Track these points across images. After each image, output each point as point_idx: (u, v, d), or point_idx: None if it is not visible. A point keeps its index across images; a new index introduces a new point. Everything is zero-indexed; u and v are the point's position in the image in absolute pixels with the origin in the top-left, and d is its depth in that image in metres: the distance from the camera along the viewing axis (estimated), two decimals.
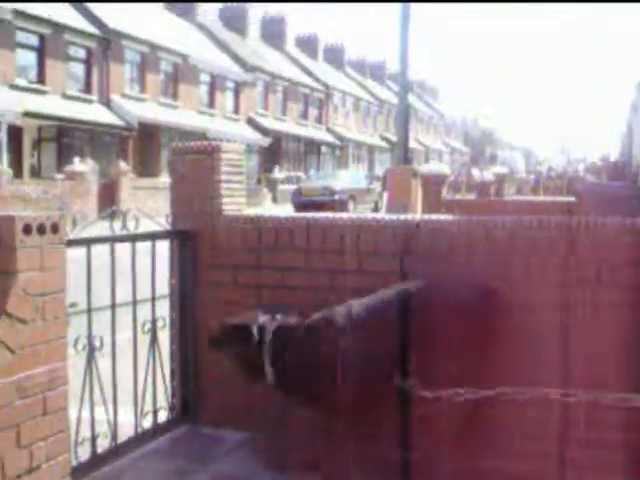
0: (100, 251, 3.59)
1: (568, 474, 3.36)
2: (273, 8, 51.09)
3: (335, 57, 59.75)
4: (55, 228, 3.04)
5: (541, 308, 3.45)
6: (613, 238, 3.35)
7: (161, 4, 41.78)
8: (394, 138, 40.48)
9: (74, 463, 3.34)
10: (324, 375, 3.25)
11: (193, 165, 4.24)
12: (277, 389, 3.47)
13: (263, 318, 3.43)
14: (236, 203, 4.33)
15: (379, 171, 46.87)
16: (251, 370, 3.48)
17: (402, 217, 3.87)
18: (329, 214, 4.10)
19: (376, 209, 28.19)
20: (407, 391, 3.21)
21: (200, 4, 43.23)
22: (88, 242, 3.52)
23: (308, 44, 56.42)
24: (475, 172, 41.33)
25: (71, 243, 3.28)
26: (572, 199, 10.01)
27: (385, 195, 19.05)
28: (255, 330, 3.38)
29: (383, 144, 58.92)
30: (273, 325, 3.39)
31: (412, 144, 51.65)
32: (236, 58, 41.85)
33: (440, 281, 3.47)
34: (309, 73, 51.25)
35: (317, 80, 51.12)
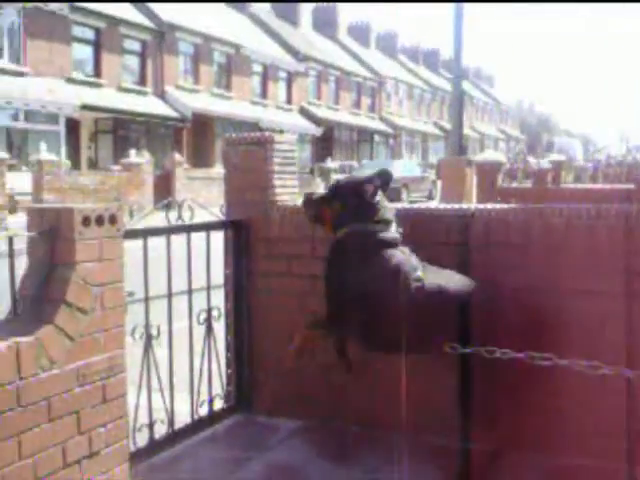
0: (157, 242, 3.65)
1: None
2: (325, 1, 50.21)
3: (388, 45, 59.37)
4: (113, 219, 3.10)
5: (600, 297, 3.38)
6: None
7: None
8: (448, 126, 40.13)
9: (132, 449, 3.40)
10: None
11: (246, 156, 4.26)
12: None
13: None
14: (289, 193, 4.34)
15: (433, 159, 46.53)
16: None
17: (456, 207, 3.83)
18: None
19: (430, 197, 28.01)
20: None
21: None
22: (145, 233, 3.57)
23: (360, 32, 56.18)
24: (531, 160, 40.68)
25: (128, 234, 3.33)
26: (631, 187, 9.76)
27: (439, 183, 18.90)
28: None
29: (437, 132, 58.39)
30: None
31: (467, 131, 51.13)
32: (288, 48, 41.92)
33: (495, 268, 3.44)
34: (362, 61, 51.04)
35: (370, 68, 50.89)
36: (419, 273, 3.31)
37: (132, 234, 3.44)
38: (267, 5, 47.19)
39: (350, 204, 3.42)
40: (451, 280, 3.39)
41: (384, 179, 3.51)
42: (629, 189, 9.46)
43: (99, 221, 3.02)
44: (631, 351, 3.32)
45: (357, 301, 3.30)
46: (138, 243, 3.52)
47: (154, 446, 3.64)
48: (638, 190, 8.89)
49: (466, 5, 14.52)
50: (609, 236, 3.37)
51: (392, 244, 3.38)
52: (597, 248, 3.41)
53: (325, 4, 51.83)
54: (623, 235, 3.35)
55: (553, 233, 3.48)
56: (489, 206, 3.73)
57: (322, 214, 3.56)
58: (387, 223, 3.42)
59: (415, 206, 3.99)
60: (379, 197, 3.45)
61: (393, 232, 3.42)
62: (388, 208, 3.48)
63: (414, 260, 3.38)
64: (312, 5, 51.49)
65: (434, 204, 4.67)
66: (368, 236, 3.36)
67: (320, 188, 33.66)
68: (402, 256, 3.36)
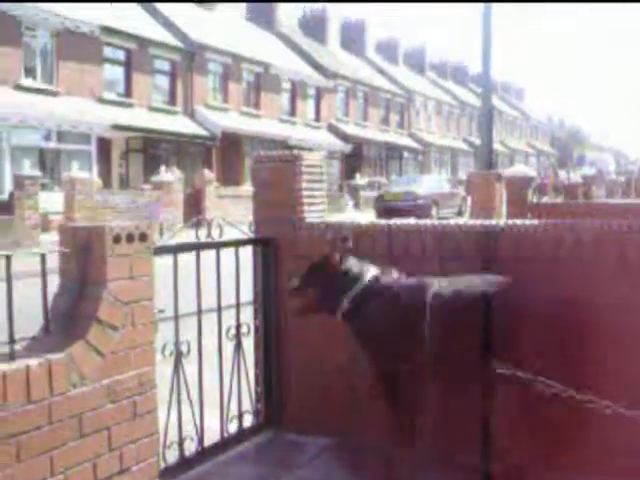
0: (187, 259, 3.67)
1: None
2: (352, 13, 50.69)
3: (416, 60, 59.44)
4: (143, 237, 3.13)
5: (632, 313, 3.34)
6: None
7: (242, 16, 42.54)
8: (477, 141, 40.01)
9: (162, 466, 3.42)
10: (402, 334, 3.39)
11: (275, 173, 4.29)
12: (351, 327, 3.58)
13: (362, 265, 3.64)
14: (317, 210, 4.35)
15: (462, 175, 46.33)
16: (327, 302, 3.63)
17: (485, 223, 3.82)
18: (411, 220, 4.08)
19: (460, 213, 27.86)
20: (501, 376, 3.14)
21: (279, 8, 43.64)
22: (175, 250, 3.60)
23: (388, 48, 56.35)
24: (562, 174, 40.33)
25: (158, 251, 3.36)
26: None
27: (469, 199, 18.82)
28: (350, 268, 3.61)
29: (466, 147, 58.22)
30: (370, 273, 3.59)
31: (496, 146, 50.81)
32: (316, 65, 42.14)
33: (524, 283, 3.40)
34: (390, 78, 51.15)
35: (398, 84, 50.98)
36: (435, 288, 3.40)
37: (162, 250, 3.47)
38: (295, 23, 47.56)
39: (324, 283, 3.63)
40: (471, 283, 3.42)
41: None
42: None
43: (130, 239, 3.05)
44: None
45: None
46: (168, 261, 3.55)
47: (184, 463, 3.65)
48: None
49: (495, 20, 14.50)
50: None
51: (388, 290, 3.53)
52: (629, 264, 3.37)
53: (353, 21, 52.06)
54: None
55: (583, 249, 3.44)
56: (518, 222, 3.71)
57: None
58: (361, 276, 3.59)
59: (444, 222, 3.98)
60: (347, 263, 3.64)
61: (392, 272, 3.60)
62: (353, 263, 3.65)
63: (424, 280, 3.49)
64: (340, 22, 51.75)
65: (463, 220, 4.66)
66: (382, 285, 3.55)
67: (349, 205, 33.71)
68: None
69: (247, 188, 24.17)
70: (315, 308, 3.70)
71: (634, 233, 3.36)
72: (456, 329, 3.31)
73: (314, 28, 47.14)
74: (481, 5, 14.42)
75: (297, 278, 3.74)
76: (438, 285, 3.41)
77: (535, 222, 3.67)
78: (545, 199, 13.21)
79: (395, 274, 3.59)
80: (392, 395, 3.51)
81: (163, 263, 3.52)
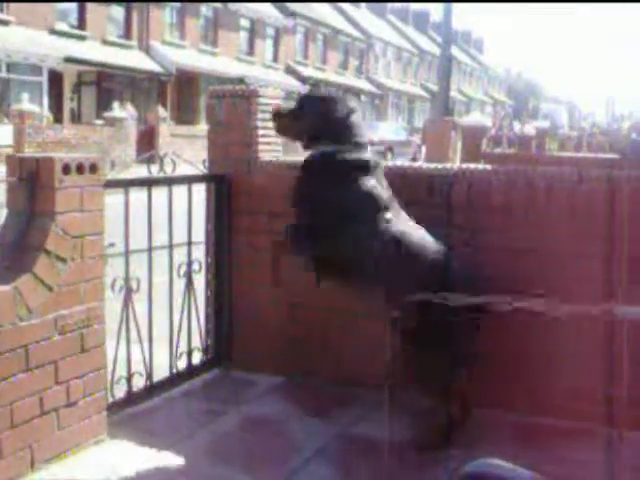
0: (138, 196, 3.62)
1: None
2: None
3: (378, 4, 58.65)
4: (94, 168, 3.07)
5: (581, 261, 3.41)
6: None
7: None
8: (435, 88, 39.89)
9: (110, 400, 3.42)
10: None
11: (230, 109, 4.22)
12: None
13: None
14: (273, 150, 4.31)
15: (419, 122, 46.34)
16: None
17: (440, 166, 3.83)
18: None
19: (414, 161, 28.00)
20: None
21: None
22: (125, 184, 3.54)
23: None
24: (517, 125, 40.53)
25: (109, 184, 3.31)
26: (615, 157, 9.80)
27: (424, 148, 18.86)
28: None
29: (424, 94, 58.09)
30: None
31: (454, 94, 50.83)
32: (277, 3, 41.27)
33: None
34: (351, 20, 50.46)
35: (359, 28, 50.34)
36: (389, 214, 3.19)
37: (113, 184, 3.41)
38: None
39: (320, 122, 3.21)
40: (422, 237, 3.27)
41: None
42: (613, 159, 9.49)
43: (80, 170, 2.99)
44: (609, 314, 3.36)
45: (323, 224, 3.16)
46: (119, 198, 3.49)
47: (132, 398, 3.65)
48: (622, 160, 8.92)
49: None
50: (590, 200, 3.39)
51: (366, 168, 3.18)
52: (578, 211, 3.42)
53: None
54: (605, 199, 3.36)
55: (535, 195, 3.49)
56: (472, 166, 3.73)
57: (292, 129, 3.38)
58: (360, 146, 3.21)
59: (398, 163, 3.97)
60: (354, 118, 3.24)
61: (368, 155, 3.22)
62: (364, 133, 3.28)
63: (388, 196, 3.24)
64: None
65: (417, 164, 4.66)
66: (339, 160, 3.16)
67: None
68: (377, 185, 3.20)
69: (202, 127, 23.78)
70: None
71: (584, 182, 3.41)
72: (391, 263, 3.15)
73: None
74: None
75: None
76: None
77: (488, 167, 3.70)
78: (499, 150, 13.30)
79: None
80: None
81: (115, 200, 3.47)
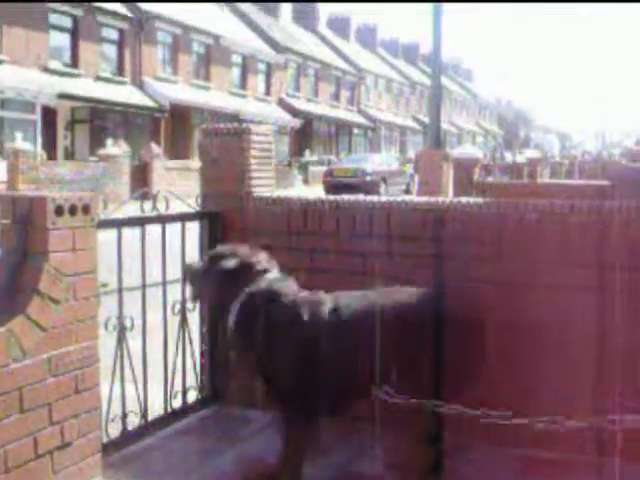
0: (131, 233, 3.63)
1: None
2: None
3: (367, 38, 59.41)
4: (86, 209, 3.08)
5: (572, 291, 3.42)
6: None
7: None
8: (426, 120, 40.27)
9: (105, 440, 3.39)
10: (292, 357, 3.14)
11: (223, 147, 4.25)
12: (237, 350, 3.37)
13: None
14: (265, 185, 4.33)
15: (411, 153, 46.62)
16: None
17: (432, 200, 3.85)
18: (359, 196, 4.09)
19: (407, 191, 28.11)
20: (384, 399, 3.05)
21: None
22: (119, 223, 3.55)
23: (340, 25, 56.15)
24: (508, 155, 40.88)
25: (102, 224, 3.31)
26: (606, 183, 9.85)
27: (416, 178, 18.96)
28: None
29: (415, 126, 58.55)
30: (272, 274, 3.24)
31: (445, 126, 51.21)
32: (268, 39, 41.75)
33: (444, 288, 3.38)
34: (341, 54, 51.01)
35: (349, 61, 50.87)
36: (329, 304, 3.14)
37: (106, 224, 3.41)
38: None
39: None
40: (387, 298, 3.17)
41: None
42: (604, 185, 9.53)
43: (72, 210, 3.00)
44: (602, 343, 3.37)
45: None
46: (112, 234, 3.50)
47: (127, 437, 3.62)
48: (612, 186, 8.96)
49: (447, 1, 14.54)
50: (582, 231, 3.41)
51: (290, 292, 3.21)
52: (570, 242, 3.44)
53: None
54: (597, 230, 3.38)
55: (527, 227, 3.51)
56: (463, 200, 3.75)
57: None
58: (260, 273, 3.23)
59: (391, 198, 3.99)
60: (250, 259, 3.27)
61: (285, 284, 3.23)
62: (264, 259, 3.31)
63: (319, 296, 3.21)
64: None
65: (409, 197, 4.69)
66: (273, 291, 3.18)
67: (298, 180, 33.66)
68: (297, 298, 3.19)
69: (195, 161, 23.91)
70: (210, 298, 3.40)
71: (575, 214, 3.43)
72: (349, 348, 3.11)
73: (267, 2, 46.63)
74: None
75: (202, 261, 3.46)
76: (334, 302, 3.16)
77: (479, 200, 3.72)
78: (490, 179, 13.39)
79: (292, 285, 3.27)
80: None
81: (108, 236, 3.47)
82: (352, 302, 3.18)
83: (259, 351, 3.19)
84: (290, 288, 3.24)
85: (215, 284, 3.25)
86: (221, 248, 3.41)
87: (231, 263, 3.22)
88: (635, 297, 3.32)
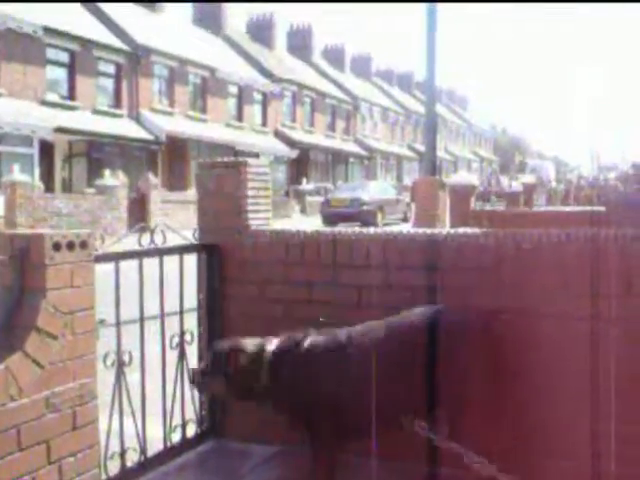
0: (129, 266, 3.63)
1: None
2: (299, 19, 51.05)
3: (362, 67, 59.89)
4: (84, 245, 3.08)
5: (571, 321, 3.42)
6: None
7: (189, 19, 42.28)
8: (422, 148, 40.55)
9: (103, 477, 3.36)
10: (322, 398, 3.31)
11: (220, 180, 4.26)
12: (275, 410, 3.50)
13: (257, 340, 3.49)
14: (263, 217, 4.34)
15: (408, 181, 46.81)
16: (246, 391, 3.48)
17: (429, 231, 3.86)
18: (355, 229, 4.10)
19: (405, 219, 28.14)
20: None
21: (226, 12, 43.47)
22: (116, 258, 3.55)
23: (335, 55, 56.64)
24: (504, 181, 41.01)
25: (100, 259, 3.31)
26: (602, 209, 9.90)
27: (413, 206, 19.02)
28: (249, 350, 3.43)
29: (411, 154, 58.83)
30: (272, 345, 3.44)
31: (440, 154, 51.51)
32: (263, 70, 42.10)
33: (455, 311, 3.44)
34: (336, 84, 51.40)
35: (344, 91, 51.25)
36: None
37: (103, 258, 3.42)
38: (242, 28, 47.43)
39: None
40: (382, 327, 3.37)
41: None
42: (599, 212, 9.57)
43: (70, 247, 3.00)
44: (597, 371, 3.36)
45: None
46: (110, 267, 3.50)
47: (126, 474, 3.59)
48: (608, 213, 9.00)
49: (440, 29, 14.69)
50: (578, 260, 3.42)
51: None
52: (566, 272, 3.44)
53: (300, 26, 52.21)
54: (593, 259, 3.39)
55: (524, 257, 3.51)
56: (461, 231, 3.76)
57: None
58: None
59: (388, 230, 4.01)
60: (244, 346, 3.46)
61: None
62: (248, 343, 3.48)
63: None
64: (287, 27, 51.92)
65: (407, 227, 4.69)
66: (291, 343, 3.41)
67: (296, 210, 33.72)
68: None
69: (193, 193, 23.96)
70: (225, 393, 3.56)
71: (572, 243, 3.44)
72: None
73: (261, 33, 47.11)
74: (426, 10, 14.55)
75: (205, 363, 3.60)
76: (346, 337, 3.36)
77: (476, 231, 3.73)
78: (487, 206, 13.44)
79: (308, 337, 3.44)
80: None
81: (105, 269, 3.47)
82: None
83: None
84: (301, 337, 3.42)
85: (223, 384, 3.44)
86: (224, 343, 3.57)
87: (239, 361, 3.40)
88: (631, 325, 3.31)
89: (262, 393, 3.42)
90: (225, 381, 3.43)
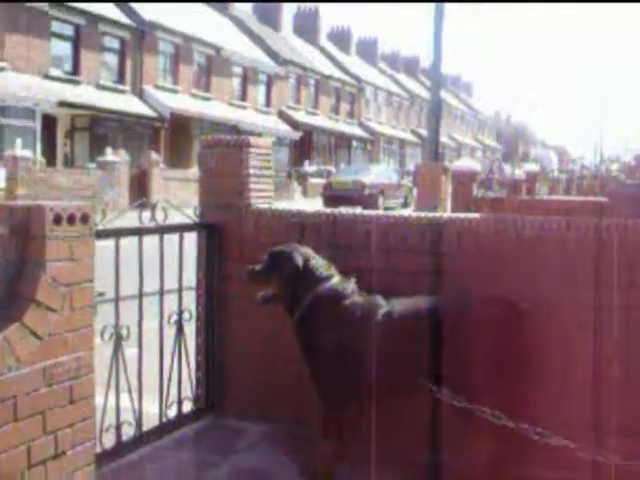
0: (130, 241, 3.63)
1: None
2: (306, 2, 50.64)
3: (368, 51, 59.60)
4: (85, 219, 3.07)
5: (571, 311, 3.42)
6: None
7: None
8: (425, 133, 40.51)
9: (99, 450, 3.38)
10: (350, 356, 3.37)
11: (222, 158, 4.25)
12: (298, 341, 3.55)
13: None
14: (264, 197, 4.34)
15: (410, 166, 46.70)
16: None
17: (430, 215, 3.86)
18: (356, 210, 4.10)
19: (406, 204, 28.10)
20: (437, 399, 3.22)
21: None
22: (117, 233, 3.55)
23: (341, 38, 56.37)
24: (507, 169, 40.95)
25: (100, 234, 3.31)
26: (604, 199, 9.87)
27: (415, 191, 18.98)
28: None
29: (414, 139, 58.67)
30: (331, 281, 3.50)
31: (444, 140, 51.38)
32: (269, 51, 41.90)
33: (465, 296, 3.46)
34: (341, 67, 51.17)
35: (349, 74, 51.03)
36: (385, 309, 3.40)
37: (104, 234, 3.42)
38: (249, 8, 47.19)
39: (289, 273, 3.50)
40: (416, 304, 3.43)
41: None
42: (602, 202, 9.55)
43: (71, 220, 2.99)
44: (599, 360, 3.37)
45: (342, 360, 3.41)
46: (110, 243, 3.50)
47: (121, 448, 3.61)
48: (611, 203, 8.98)
49: (447, 13, 14.61)
50: (579, 249, 3.41)
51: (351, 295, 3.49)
52: (567, 260, 3.44)
53: (307, 9, 51.92)
54: (594, 248, 3.39)
55: (524, 244, 3.51)
56: (462, 215, 3.76)
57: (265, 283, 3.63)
58: (332, 277, 3.52)
59: (389, 213, 4.00)
60: (313, 260, 3.55)
61: (350, 284, 3.52)
62: (324, 264, 3.57)
63: (376, 299, 3.47)
64: (293, 9, 51.64)
65: (408, 211, 4.67)
66: (337, 294, 3.47)
67: (297, 192, 33.68)
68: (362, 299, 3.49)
69: (195, 171, 23.91)
70: (279, 298, 3.59)
71: (573, 230, 3.44)
72: (403, 350, 3.33)
73: (268, 14, 46.82)
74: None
75: (260, 264, 3.62)
76: (389, 305, 3.42)
77: (477, 216, 3.73)
78: (490, 194, 13.42)
79: (352, 285, 3.53)
80: (331, 405, 3.51)
81: (105, 243, 3.47)
82: (402, 306, 3.42)
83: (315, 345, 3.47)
84: (351, 290, 3.50)
85: (285, 281, 3.52)
86: (282, 247, 3.64)
87: (299, 261, 3.51)
88: (632, 314, 3.32)
89: (296, 322, 3.52)
90: (278, 282, 3.53)
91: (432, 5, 14.08)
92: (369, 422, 3.55)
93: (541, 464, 3.27)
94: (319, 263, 3.56)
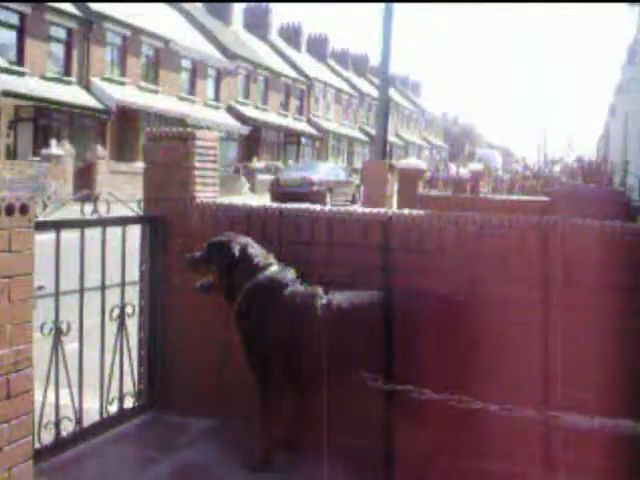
0: (71, 234, 3.57)
1: None
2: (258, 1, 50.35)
3: (318, 48, 59.65)
4: (24, 209, 3.01)
5: (510, 306, 3.48)
6: (581, 239, 3.39)
7: None
8: (374, 131, 40.69)
9: (37, 446, 3.32)
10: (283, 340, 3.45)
11: (167, 151, 4.21)
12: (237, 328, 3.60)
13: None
14: (209, 191, 4.31)
15: (358, 164, 46.88)
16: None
17: (374, 211, 3.89)
18: (302, 205, 4.10)
19: (354, 201, 28.23)
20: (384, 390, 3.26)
21: None
22: (57, 225, 3.49)
23: (292, 34, 56.27)
24: (453, 168, 41.37)
25: (40, 226, 3.25)
26: (546, 199, 10.07)
27: (362, 188, 19.07)
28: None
29: (363, 137, 58.94)
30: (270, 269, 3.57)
31: (392, 138, 51.71)
32: (219, 45, 41.59)
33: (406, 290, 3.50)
34: (291, 63, 51.11)
35: (299, 71, 51.00)
36: (324, 300, 3.45)
37: (44, 225, 3.35)
38: (199, 2, 46.72)
39: (227, 262, 3.57)
40: (357, 296, 3.46)
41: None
42: (543, 201, 9.74)
43: (9, 211, 2.93)
44: (540, 354, 3.44)
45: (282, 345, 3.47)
46: (51, 236, 3.44)
47: (60, 444, 3.56)
48: (552, 202, 9.16)
49: (397, 13, 14.70)
50: (520, 246, 3.48)
51: (290, 284, 3.55)
52: (509, 256, 3.51)
53: (257, 4, 51.68)
54: (534, 245, 3.46)
55: (466, 240, 3.57)
56: (406, 212, 3.79)
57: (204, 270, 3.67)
58: (271, 266, 3.60)
59: (334, 208, 4.01)
60: (250, 249, 3.62)
61: (289, 273, 3.59)
62: (262, 253, 3.64)
63: (316, 290, 3.52)
64: (244, 4, 51.35)
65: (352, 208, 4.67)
66: (276, 282, 3.53)
67: (245, 188, 33.54)
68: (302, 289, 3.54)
69: (142, 165, 23.64)
70: (217, 287, 3.63)
71: (514, 228, 3.50)
72: (341, 340, 3.37)
73: (218, 8, 46.44)
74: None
75: (199, 252, 3.67)
76: (329, 296, 3.45)
77: (421, 213, 3.77)
78: (435, 192, 13.55)
79: (290, 274, 3.58)
80: (269, 394, 3.56)
81: (47, 237, 3.41)
82: (342, 298, 3.46)
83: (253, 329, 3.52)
84: (290, 279, 3.56)
85: (223, 269, 3.57)
86: (221, 237, 3.69)
87: (236, 250, 3.57)
88: (569, 310, 3.40)
89: (236, 310, 3.57)
90: (218, 271, 3.58)
91: (382, 4, 14.18)
92: (307, 410, 3.58)
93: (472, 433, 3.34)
94: (257, 252, 3.61)
